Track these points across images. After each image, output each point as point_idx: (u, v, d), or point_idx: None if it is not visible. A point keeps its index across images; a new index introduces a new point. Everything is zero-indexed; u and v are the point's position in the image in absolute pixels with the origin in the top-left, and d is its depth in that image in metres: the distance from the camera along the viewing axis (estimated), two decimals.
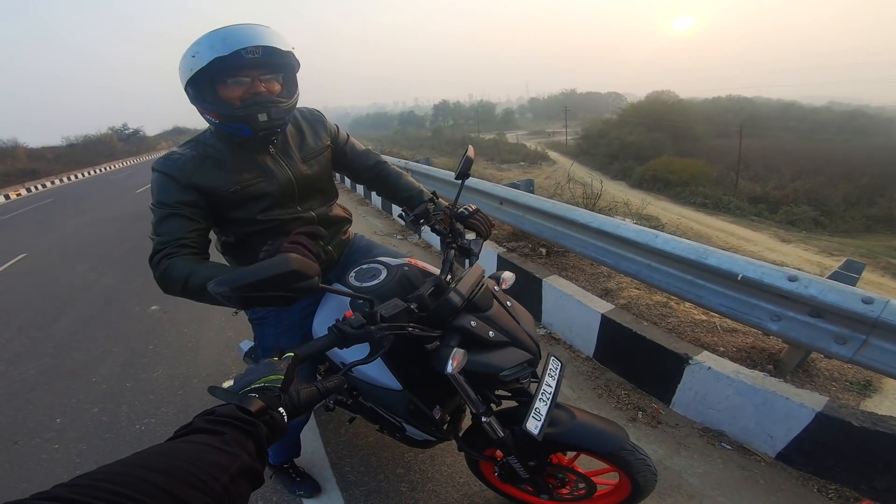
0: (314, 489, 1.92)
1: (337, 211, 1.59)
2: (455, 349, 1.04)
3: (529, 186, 4.28)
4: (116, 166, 30.15)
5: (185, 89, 1.20)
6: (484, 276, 1.26)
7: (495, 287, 1.29)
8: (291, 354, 0.79)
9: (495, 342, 1.14)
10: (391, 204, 6.62)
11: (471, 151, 1.35)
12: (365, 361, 0.90)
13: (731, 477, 1.89)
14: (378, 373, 1.25)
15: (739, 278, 2.04)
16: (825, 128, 43.27)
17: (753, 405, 1.95)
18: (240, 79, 1.18)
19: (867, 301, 1.74)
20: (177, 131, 74.18)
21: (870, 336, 1.79)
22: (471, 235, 1.35)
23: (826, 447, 1.81)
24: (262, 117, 1.19)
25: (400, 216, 1.50)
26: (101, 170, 27.25)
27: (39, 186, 20.05)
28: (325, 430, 2.27)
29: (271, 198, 1.33)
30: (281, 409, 0.68)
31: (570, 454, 1.49)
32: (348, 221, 1.66)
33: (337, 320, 0.90)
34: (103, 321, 3.98)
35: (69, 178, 22.93)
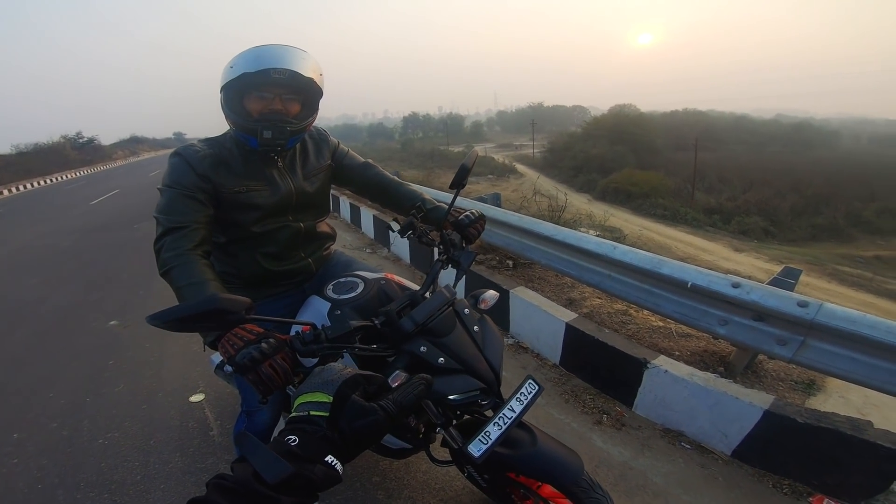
0: None
1: (323, 227, 1.66)
2: (398, 372, 1.08)
3: (496, 200, 4.40)
4: (70, 176, 28.41)
5: (220, 94, 1.31)
6: (453, 300, 1.27)
7: (467, 309, 1.30)
8: (350, 370, 0.64)
9: (445, 368, 1.15)
10: (360, 217, 6.64)
11: (471, 160, 1.34)
12: None
13: (693, 475, 1.99)
14: None
15: (690, 286, 2.19)
16: (773, 140, 46.04)
17: (707, 406, 2.07)
18: (263, 94, 1.28)
19: (802, 304, 1.91)
20: (134, 140, 71.35)
21: (807, 337, 1.95)
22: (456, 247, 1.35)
23: (776, 444, 1.92)
24: (267, 134, 1.29)
25: (389, 228, 1.52)
26: (53, 179, 25.68)
27: None
28: None
29: (270, 208, 1.41)
30: (330, 458, 0.53)
31: None
32: (332, 238, 1.72)
33: (297, 332, 0.94)
34: (59, 336, 3.82)
35: (19, 189, 21.48)
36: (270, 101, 1.29)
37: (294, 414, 0.59)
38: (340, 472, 0.54)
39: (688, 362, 2.35)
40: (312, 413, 0.57)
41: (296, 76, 1.24)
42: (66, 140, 46.45)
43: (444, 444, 1.46)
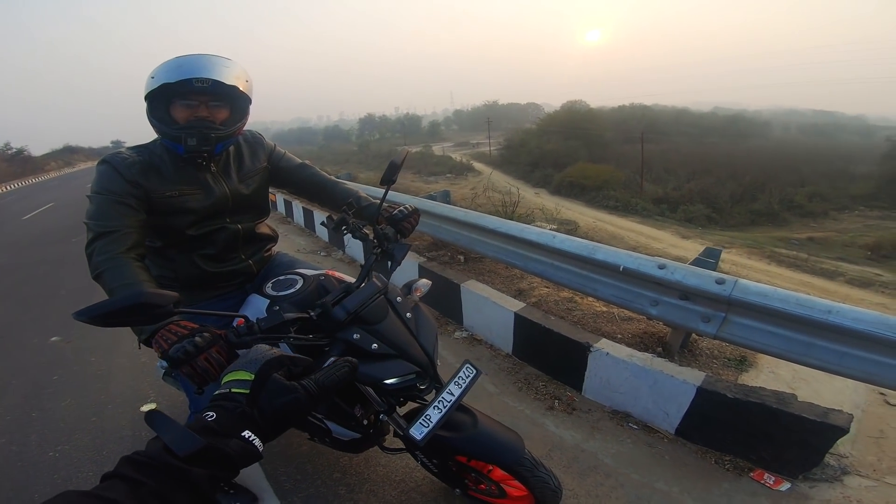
0: (251, 499, 1.90)
1: (263, 229, 1.68)
2: (332, 358, 1.12)
3: (446, 197, 4.46)
4: None
5: (144, 101, 1.33)
6: (385, 289, 1.32)
7: (399, 297, 1.36)
8: (276, 351, 0.66)
9: (380, 354, 1.21)
10: (313, 221, 6.55)
11: (400, 157, 1.39)
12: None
13: (641, 454, 2.10)
14: None
15: (621, 269, 2.32)
16: (712, 132, 48.62)
17: (647, 385, 2.18)
18: (188, 102, 1.30)
19: (720, 282, 2.06)
20: (68, 150, 67.13)
21: (728, 313, 2.10)
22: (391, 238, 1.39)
23: (712, 420, 2.02)
24: (191, 142, 1.31)
25: (322, 224, 1.55)
26: None
27: None
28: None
29: (204, 212, 1.42)
30: (247, 433, 0.54)
31: None
32: (272, 240, 1.75)
33: (231, 327, 0.96)
34: None
35: None
36: (196, 108, 1.31)
37: (217, 392, 0.60)
38: (259, 447, 0.54)
39: (629, 344, 2.47)
40: (234, 390, 0.59)
41: (218, 84, 1.26)
42: None
43: (396, 433, 1.50)
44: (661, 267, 2.21)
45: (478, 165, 39.74)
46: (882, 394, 2.54)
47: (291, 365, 0.63)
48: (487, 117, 66.39)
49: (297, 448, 2.20)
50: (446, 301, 3.26)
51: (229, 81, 1.29)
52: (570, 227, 11.18)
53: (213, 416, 0.54)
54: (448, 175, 33.56)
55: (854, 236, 18.03)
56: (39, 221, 11.36)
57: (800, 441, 1.83)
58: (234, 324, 1.00)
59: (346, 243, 5.40)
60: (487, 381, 2.68)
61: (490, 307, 2.95)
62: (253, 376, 0.59)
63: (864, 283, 11.78)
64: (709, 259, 2.36)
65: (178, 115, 1.32)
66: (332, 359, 1.13)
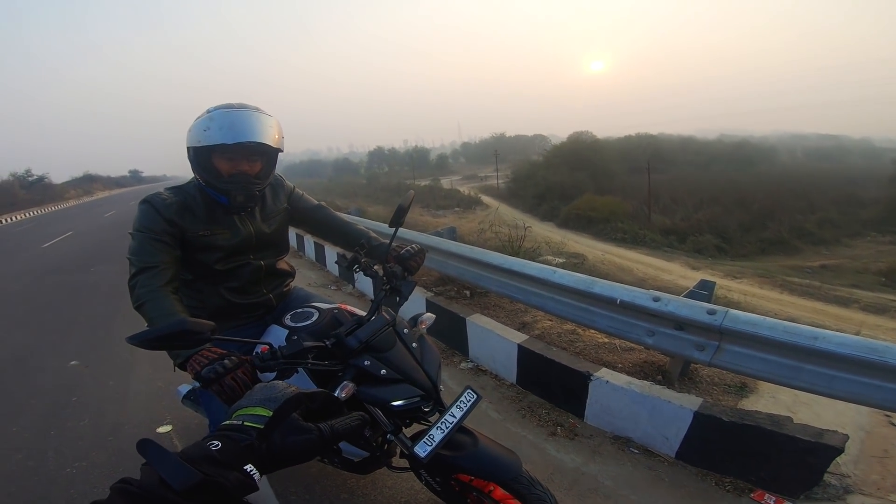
0: None
1: (282, 265, 1.83)
2: (346, 382, 1.26)
3: (452, 234, 4.62)
4: (18, 217, 26.47)
5: (188, 149, 1.45)
6: (394, 321, 1.46)
7: (406, 329, 1.49)
8: (295, 389, 0.66)
9: (388, 379, 1.33)
10: (324, 256, 6.75)
11: (407, 200, 1.51)
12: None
13: (641, 477, 2.15)
14: None
15: (618, 302, 2.43)
16: (718, 159, 48.57)
17: (646, 411, 2.26)
18: (232, 156, 1.45)
19: (711, 312, 2.16)
20: (88, 178, 67.72)
21: (721, 342, 2.20)
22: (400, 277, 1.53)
23: (711, 443, 2.09)
24: (240, 198, 1.49)
25: (336, 262, 1.70)
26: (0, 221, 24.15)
27: None
28: None
29: (231, 249, 1.58)
30: (249, 467, 0.53)
31: None
32: (291, 275, 1.89)
33: (255, 353, 1.11)
34: (17, 376, 3.74)
35: None
36: (238, 162, 1.46)
37: (227, 423, 0.59)
38: (257, 480, 0.53)
39: (630, 373, 2.55)
40: (246, 423, 0.58)
41: (263, 146, 1.43)
42: (15, 178, 43.89)
43: (402, 454, 1.61)
44: (656, 299, 2.32)
45: (486, 199, 40.16)
46: (887, 415, 2.58)
47: (309, 402, 0.64)
48: (495, 150, 67.25)
49: (305, 469, 2.27)
50: (452, 334, 3.37)
51: (273, 143, 1.45)
52: (578, 261, 11.27)
53: (217, 445, 0.53)
54: (456, 209, 33.94)
55: (867, 262, 17.85)
56: (58, 249, 11.49)
57: (797, 461, 1.89)
58: (259, 350, 1.14)
59: (355, 278, 5.56)
60: (491, 409, 2.76)
61: (494, 339, 3.06)
62: (271, 413, 0.59)
63: (879, 309, 11.64)
64: (703, 291, 2.47)
65: (221, 167, 1.45)
66: (345, 383, 1.26)
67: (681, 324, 2.27)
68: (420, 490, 2.07)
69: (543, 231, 18.74)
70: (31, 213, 29.00)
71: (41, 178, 48.03)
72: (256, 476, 0.53)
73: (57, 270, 8.43)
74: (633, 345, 2.95)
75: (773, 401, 2.66)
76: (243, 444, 0.55)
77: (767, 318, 2.08)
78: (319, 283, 6.13)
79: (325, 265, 6.78)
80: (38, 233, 16.21)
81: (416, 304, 3.85)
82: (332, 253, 6.42)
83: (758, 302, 11.74)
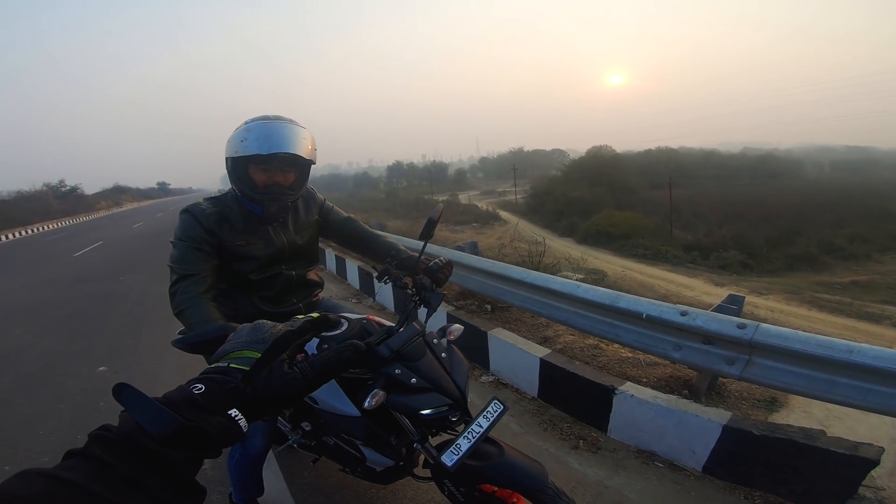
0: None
1: (312, 276, 1.87)
2: (376, 390, 1.28)
3: (474, 248, 4.64)
4: (52, 226, 27.64)
5: (226, 159, 1.52)
6: (423, 332, 1.47)
7: (435, 339, 1.50)
8: (282, 328, 0.63)
9: (418, 387, 1.35)
10: (345, 269, 6.84)
11: (437, 214, 1.52)
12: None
13: (666, 491, 2.13)
14: (341, 403, 1.47)
15: (644, 317, 2.41)
16: (741, 173, 47.56)
17: (672, 425, 2.24)
18: (267, 167, 1.50)
19: (741, 326, 2.13)
20: (118, 190, 70.02)
21: (752, 356, 2.16)
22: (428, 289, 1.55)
23: (740, 457, 2.07)
24: (273, 208, 1.55)
25: (375, 277, 1.74)
26: (33, 230, 25.03)
27: None
28: (287, 472, 2.36)
29: (265, 259, 1.63)
30: (234, 412, 0.49)
31: None
32: (320, 286, 1.94)
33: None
34: (46, 381, 3.85)
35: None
36: (272, 173, 1.52)
37: (213, 366, 0.55)
38: (244, 427, 0.50)
39: (655, 387, 2.53)
40: (232, 366, 0.54)
41: (296, 157, 1.48)
42: (49, 188, 45.08)
43: (425, 464, 1.61)
44: (684, 314, 2.30)
45: (504, 214, 40.13)
46: None
47: (297, 338, 0.60)
48: (513, 164, 67.22)
49: (326, 479, 2.29)
50: (473, 347, 3.37)
51: (306, 155, 1.50)
52: (598, 277, 11.14)
53: (201, 388, 0.49)
54: (474, 224, 33.96)
55: None
56: (89, 259, 11.86)
57: (831, 474, 1.85)
58: None
59: (376, 291, 5.61)
60: (512, 422, 2.74)
61: (516, 353, 3.05)
62: (259, 355, 0.55)
63: None
64: (732, 305, 2.43)
65: (256, 178, 1.51)
66: (376, 391, 1.27)
67: (709, 338, 2.24)
68: (441, 501, 2.06)
69: (562, 247, 18.59)
70: (64, 223, 30.01)
71: (74, 189, 49.47)
72: (242, 422, 0.50)
73: (87, 279, 8.71)
74: (657, 359, 2.92)
75: (805, 415, 2.62)
76: (228, 387, 0.50)
77: (800, 332, 2.04)
78: (340, 295, 6.21)
79: (346, 278, 6.87)
80: (70, 242, 16.76)
81: (437, 317, 3.87)
82: (352, 266, 6.50)
83: (785, 318, 11.41)
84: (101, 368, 4.00)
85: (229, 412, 0.49)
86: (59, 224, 29.43)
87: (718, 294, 14.88)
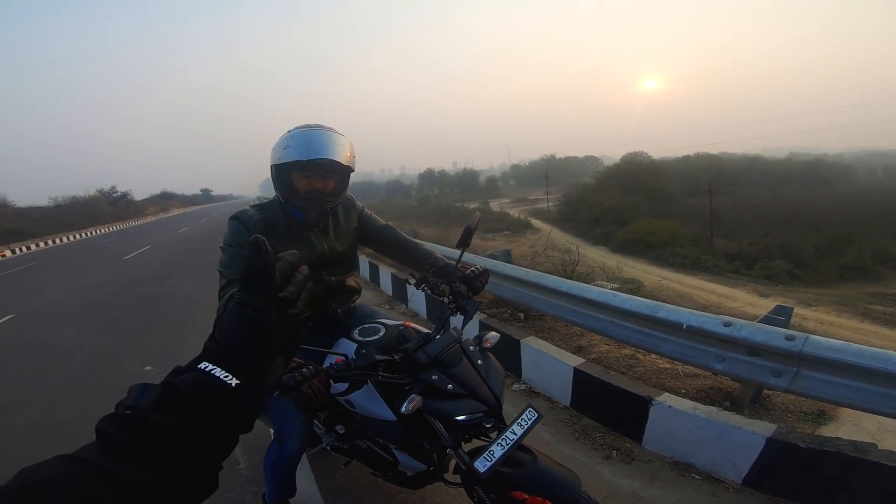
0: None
1: (351, 282, 1.91)
2: (413, 395, 1.29)
3: (507, 257, 4.63)
4: (103, 230, 29.19)
5: (271, 167, 1.58)
6: (460, 339, 1.49)
7: (472, 347, 1.51)
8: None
9: (454, 394, 1.36)
10: (378, 275, 6.93)
11: (474, 221, 1.54)
12: (345, 393, 1.21)
13: (703, 503, 2.07)
14: (377, 407, 1.50)
15: (685, 327, 2.35)
16: (788, 179, 45.01)
17: (713, 437, 2.18)
18: (308, 174, 1.55)
19: (790, 338, 2.05)
20: (165, 196, 72.90)
21: (800, 368, 2.08)
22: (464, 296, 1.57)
23: (784, 470, 2.00)
24: (313, 213, 1.59)
25: (407, 282, 1.78)
26: (87, 234, 26.50)
27: (25, 248, 19.91)
28: (319, 474, 2.40)
29: (308, 265, 1.66)
30: (204, 364, 0.49)
31: None
32: (357, 292, 1.97)
33: (330, 364, 1.17)
34: (96, 379, 4.04)
35: (55, 241, 22.48)
36: (313, 180, 1.57)
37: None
38: (222, 377, 0.48)
39: (694, 399, 2.46)
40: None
41: (335, 163, 1.53)
42: (102, 194, 47.85)
43: (456, 470, 1.62)
44: (727, 324, 2.23)
45: (536, 222, 39.72)
46: None
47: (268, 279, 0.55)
48: (545, 172, 66.35)
49: (357, 482, 2.32)
50: (505, 356, 3.34)
51: (344, 161, 1.53)
52: (633, 287, 10.86)
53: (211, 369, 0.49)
54: (506, 232, 33.76)
55: None
56: (138, 262, 12.47)
57: (882, 488, 1.78)
58: (333, 361, 1.21)
59: (409, 297, 5.67)
60: (544, 430, 2.71)
61: (550, 362, 3.02)
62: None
63: None
64: (779, 316, 2.35)
65: (298, 184, 1.56)
66: (413, 396, 1.29)
67: (755, 349, 2.16)
68: None
69: (596, 255, 18.26)
70: (115, 227, 31.73)
71: (125, 195, 52.38)
72: (219, 372, 0.48)
73: (136, 281, 9.16)
74: (697, 370, 2.83)
75: (855, 428, 2.51)
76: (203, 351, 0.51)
77: (852, 344, 1.97)
78: (374, 301, 6.29)
79: (380, 285, 6.96)
80: (121, 245, 17.67)
81: (469, 325, 3.87)
82: (386, 273, 6.58)
83: (835, 331, 10.78)
84: (147, 368, 4.18)
85: (199, 365, 0.48)
86: (111, 228, 31.13)
87: (763, 305, 14.24)
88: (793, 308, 2.44)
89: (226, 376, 0.47)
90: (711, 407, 2.27)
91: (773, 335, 2.09)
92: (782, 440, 1.98)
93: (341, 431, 1.84)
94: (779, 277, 19.76)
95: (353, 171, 1.65)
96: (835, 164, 57.61)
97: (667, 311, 2.49)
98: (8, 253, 18.45)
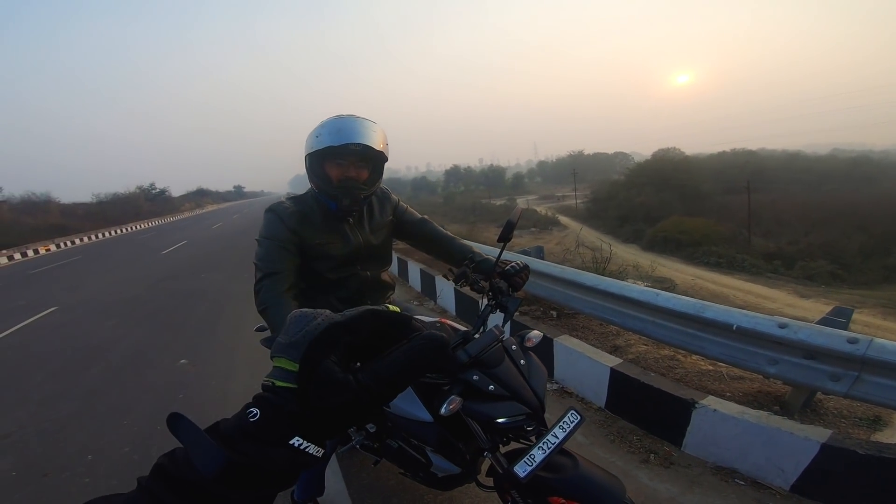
0: None
1: (385, 277, 1.86)
2: (453, 396, 1.24)
3: (539, 253, 4.53)
4: (142, 226, 30.35)
5: (305, 157, 1.55)
6: (502, 337, 1.41)
7: (514, 346, 1.44)
8: (322, 317, 0.45)
9: (495, 395, 1.29)
10: (406, 271, 6.92)
11: (515, 215, 1.48)
12: None
13: None
14: (414, 407, 1.45)
15: (735, 328, 2.23)
16: (831, 177, 42.85)
17: (761, 442, 2.07)
18: (341, 161, 1.52)
19: (852, 341, 1.92)
20: (200, 193, 75.39)
21: (861, 372, 1.95)
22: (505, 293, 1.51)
23: (837, 477, 1.89)
24: (346, 201, 1.54)
25: (446, 277, 1.71)
26: (127, 229, 27.51)
27: (69, 243, 20.76)
28: (347, 472, 2.38)
29: (342, 258, 1.64)
30: (297, 441, 0.41)
31: None
32: (391, 288, 1.92)
33: None
34: (133, 372, 4.15)
35: (97, 237, 23.46)
36: (346, 168, 1.53)
37: (264, 380, 0.46)
38: (316, 453, 0.42)
39: (740, 403, 2.34)
40: (277, 384, 0.44)
41: (368, 149, 1.48)
42: (141, 191, 49.74)
43: (489, 472, 1.56)
44: (782, 326, 2.10)
45: (563, 219, 39.17)
46: None
47: (346, 333, 0.45)
48: (573, 168, 65.18)
49: (384, 481, 2.29)
50: (538, 354, 3.24)
51: (377, 147, 1.49)
52: (666, 286, 10.55)
53: (256, 414, 0.42)
54: (532, 229, 33.40)
55: None
56: (174, 257, 12.76)
57: None
58: None
59: (438, 294, 5.63)
60: (578, 432, 2.61)
61: (584, 361, 2.92)
62: (296, 367, 0.43)
63: None
64: (839, 318, 2.21)
65: (331, 173, 1.52)
66: (452, 397, 1.23)
67: (812, 352, 2.03)
68: None
69: (627, 253, 17.81)
70: (153, 223, 32.94)
71: (163, 192, 54.33)
72: (311, 449, 0.42)
73: (172, 276, 9.42)
74: (742, 373, 2.70)
75: None
76: (284, 409, 0.42)
77: None
78: (402, 298, 6.28)
79: (408, 280, 6.95)
80: (159, 241, 18.24)
81: (499, 316, 3.81)
82: (415, 268, 6.56)
83: (881, 334, 10.21)
84: (182, 361, 4.27)
85: (291, 441, 0.41)
86: (149, 224, 32.36)
87: (804, 307, 13.65)
88: (853, 310, 2.29)
89: (304, 446, 0.42)
90: (761, 411, 2.14)
91: (834, 338, 1.96)
92: (838, 446, 1.87)
93: (372, 430, 1.80)
94: (820, 278, 18.92)
95: (386, 159, 1.60)
96: (880, 160, 54.58)
97: (714, 311, 2.36)
98: (53, 247, 19.29)
